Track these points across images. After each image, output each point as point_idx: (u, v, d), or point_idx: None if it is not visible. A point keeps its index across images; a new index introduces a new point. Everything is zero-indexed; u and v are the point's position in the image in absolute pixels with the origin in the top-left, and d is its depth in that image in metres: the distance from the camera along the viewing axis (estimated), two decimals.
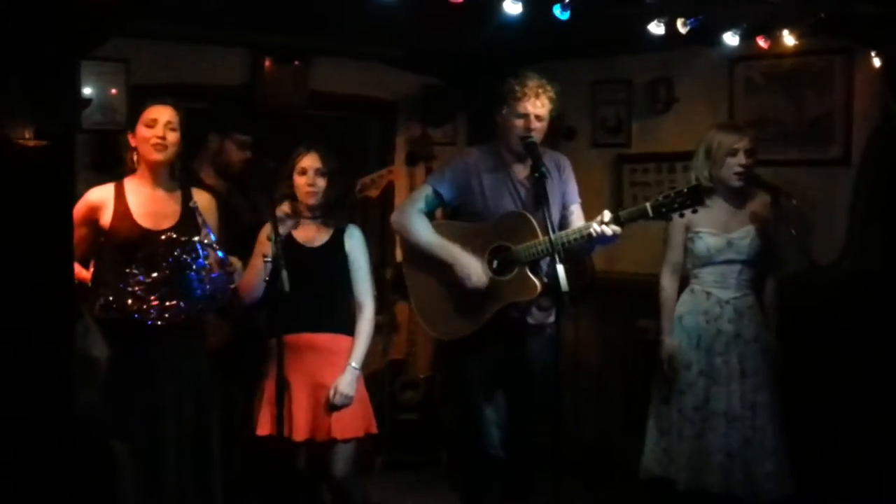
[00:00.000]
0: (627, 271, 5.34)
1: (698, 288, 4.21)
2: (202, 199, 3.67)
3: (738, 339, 4.11)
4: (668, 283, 4.28)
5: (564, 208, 4.01)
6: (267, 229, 3.63)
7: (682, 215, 3.77)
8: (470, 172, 3.94)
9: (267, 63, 5.02)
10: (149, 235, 3.48)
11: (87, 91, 4.34)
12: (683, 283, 4.29)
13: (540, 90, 3.83)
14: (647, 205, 3.68)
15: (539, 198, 3.69)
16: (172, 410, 3.52)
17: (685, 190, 3.66)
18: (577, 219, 3.95)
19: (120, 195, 3.53)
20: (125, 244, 3.46)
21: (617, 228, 3.66)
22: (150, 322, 3.42)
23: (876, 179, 4.39)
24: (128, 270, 3.41)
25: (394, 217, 4.07)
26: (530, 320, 3.94)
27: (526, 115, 3.82)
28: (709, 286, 4.18)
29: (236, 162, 4.43)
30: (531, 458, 4.04)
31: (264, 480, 4.18)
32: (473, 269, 3.82)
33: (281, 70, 5.06)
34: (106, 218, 3.51)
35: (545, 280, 3.78)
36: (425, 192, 4.00)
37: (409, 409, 5.49)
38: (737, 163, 4.09)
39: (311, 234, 3.91)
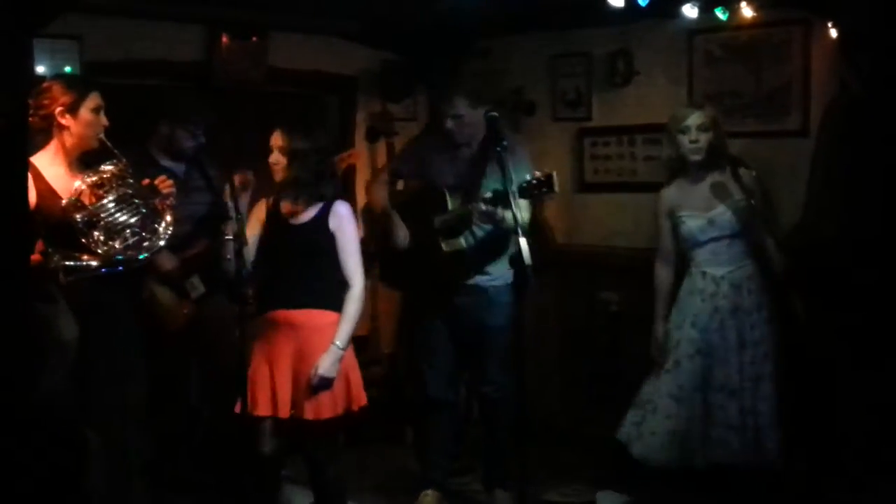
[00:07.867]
0: (588, 244, 5.37)
1: (695, 269, 4.28)
2: None
3: (738, 312, 4.16)
4: (660, 270, 4.38)
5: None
6: (262, 206, 3.84)
7: (541, 200, 4.06)
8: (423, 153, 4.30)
9: (224, 39, 4.95)
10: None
11: (40, 69, 4.26)
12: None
13: None
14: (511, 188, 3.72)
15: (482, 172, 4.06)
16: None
17: (542, 178, 3.81)
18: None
19: (37, 176, 3.43)
20: (59, 223, 3.40)
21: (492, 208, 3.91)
22: (108, 269, 3.41)
23: (832, 149, 4.43)
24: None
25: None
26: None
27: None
28: (703, 265, 4.25)
29: (187, 148, 4.37)
30: (495, 412, 4.43)
31: (226, 458, 4.18)
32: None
33: (238, 46, 4.99)
34: (30, 199, 3.39)
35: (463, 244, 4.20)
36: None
37: (372, 385, 5.47)
38: (688, 139, 4.19)
39: (297, 210, 3.87)
